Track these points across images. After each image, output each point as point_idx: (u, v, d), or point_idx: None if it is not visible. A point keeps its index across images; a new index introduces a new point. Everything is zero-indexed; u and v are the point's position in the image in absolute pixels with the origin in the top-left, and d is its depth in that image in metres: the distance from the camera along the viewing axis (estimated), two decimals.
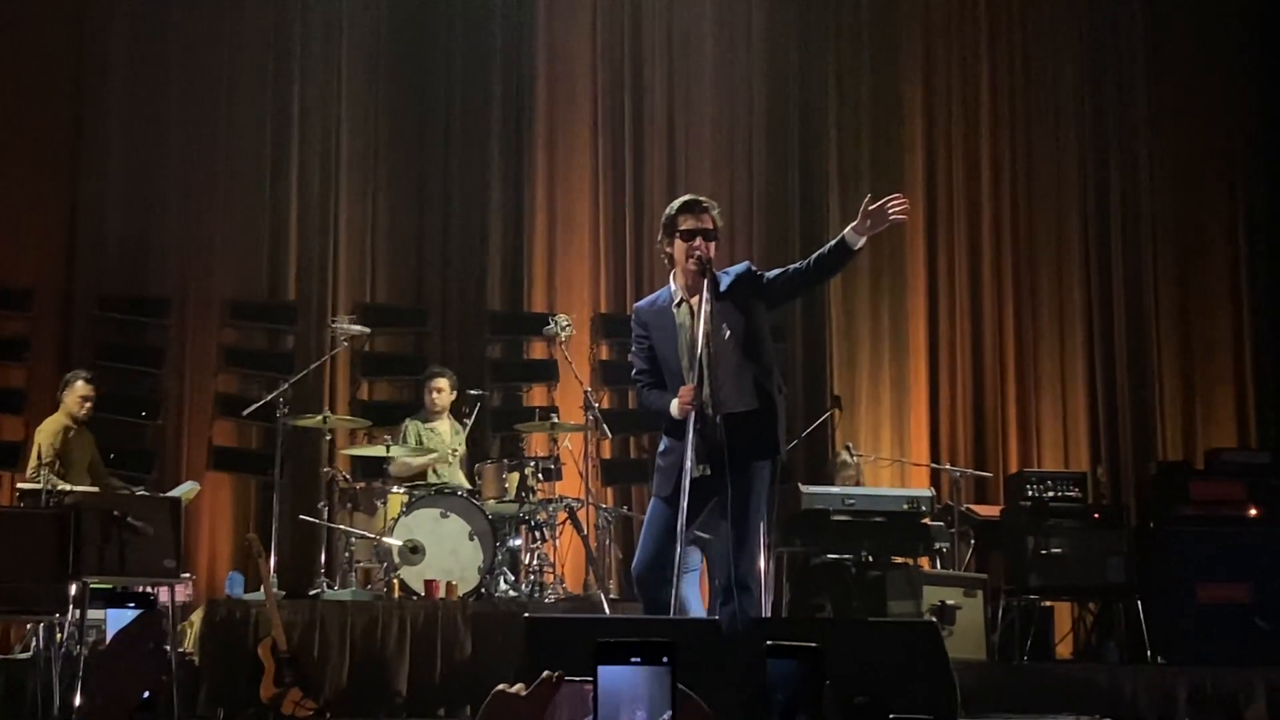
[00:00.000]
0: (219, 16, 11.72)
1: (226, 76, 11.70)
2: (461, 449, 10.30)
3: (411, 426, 10.19)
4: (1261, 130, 12.63)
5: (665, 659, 2.17)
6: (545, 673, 2.34)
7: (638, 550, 6.46)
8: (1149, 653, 9.71)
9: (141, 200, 11.45)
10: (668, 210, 6.61)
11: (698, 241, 6.42)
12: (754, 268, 6.64)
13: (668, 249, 6.58)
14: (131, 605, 2.53)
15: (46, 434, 9.60)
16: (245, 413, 10.23)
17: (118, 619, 2.50)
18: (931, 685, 5.74)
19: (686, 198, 6.65)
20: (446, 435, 10.27)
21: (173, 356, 11.34)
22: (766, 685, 2.53)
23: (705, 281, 6.35)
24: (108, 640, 2.47)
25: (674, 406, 6.33)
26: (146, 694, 2.43)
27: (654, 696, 2.15)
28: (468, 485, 10.00)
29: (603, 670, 2.14)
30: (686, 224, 6.48)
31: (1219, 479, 10.26)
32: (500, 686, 2.36)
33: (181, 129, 11.55)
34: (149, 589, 8.78)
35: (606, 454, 11.51)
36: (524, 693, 2.33)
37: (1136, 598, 9.87)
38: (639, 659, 2.16)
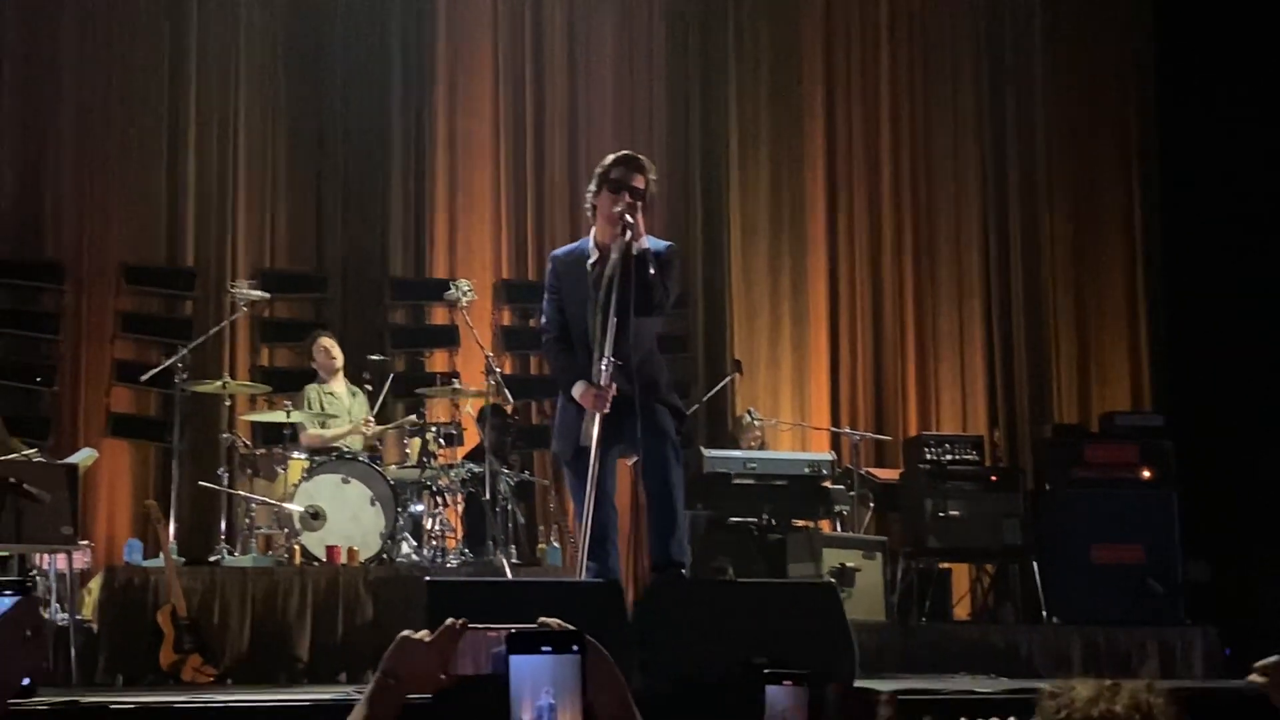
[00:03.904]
0: None
1: (121, 38, 11.52)
2: (373, 422, 10.24)
3: (313, 392, 10.14)
4: (1158, 95, 12.77)
5: (575, 647, 2.20)
6: (449, 620, 2.39)
7: (586, 529, 6.16)
8: (1044, 613, 9.85)
9: (34, 164, 11.28)
10: (602, 161, 6.46)
11: (623, 195, 6.27)
12: (677, 255, 6.50)
13: (594, 201, 6.42)
14: (8, 592, 2.51)
15: None
16: (143, 378, 10.13)
17: None
18: (830, 646, 5.81)
19: (625, 152, 6.51)
20: (345, 398, 10.22)
21: (69, 322, 11.19)
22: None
23: (624, 241, 6.19)
24: None
25: (578, 392, 6.24)
26: (27, 680, 2.42)
27: (562, 682, 2.18)
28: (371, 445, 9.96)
29: (514, 660, 2.18)
30: (615, 174, 6.33)
31: (1113, 442, 10.41)
32: (405, 633, 2.41)
33: (75, 92, 11.37)
34: (31, 570, 8.73)
35: None
36: (428, 639, 2.38)
37: (1032, 559, 10.01)
38: (550, 648, 2.19)
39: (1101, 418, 11.27)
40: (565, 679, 2.19)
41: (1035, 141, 12.89)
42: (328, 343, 10.37)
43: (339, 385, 10.29)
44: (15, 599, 2.48)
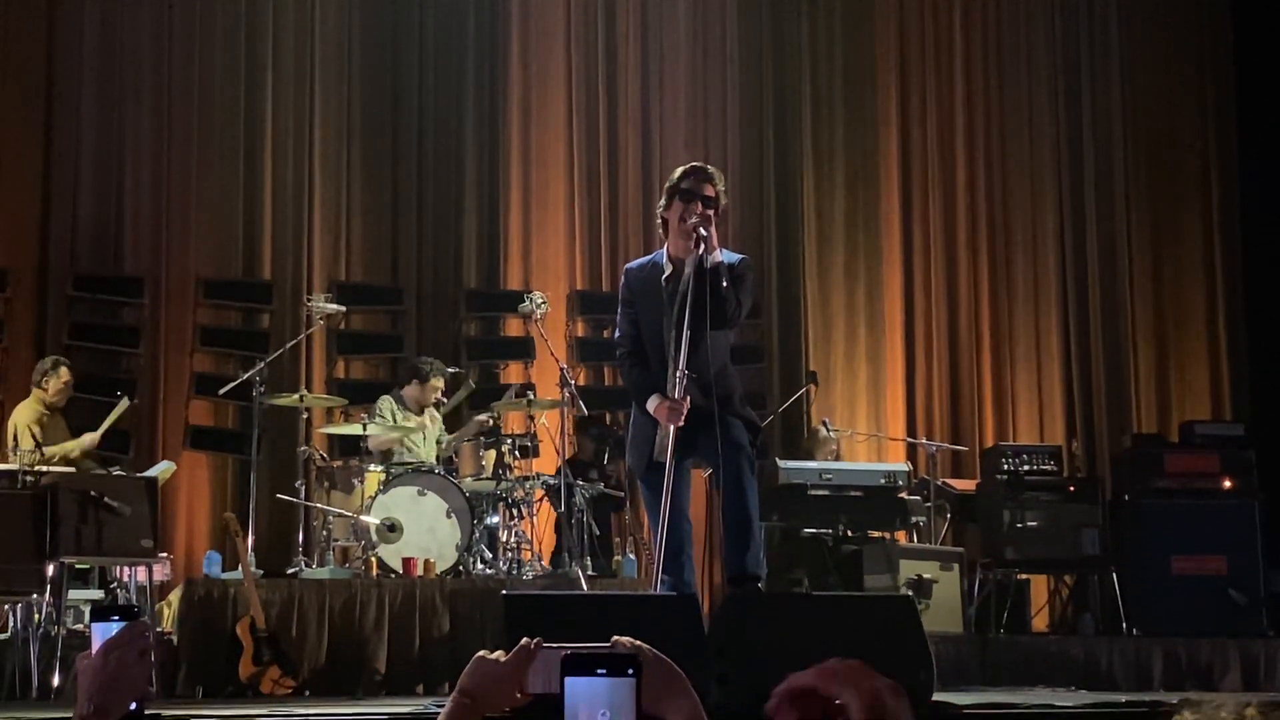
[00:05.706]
0: None
1: (199, 54, 11.62)
2: (440, 430, 10.30)
3: (386, 404, 10.16)
4: (1236, 103, 12.67)
5: (630, 670, 2.20)
6: (524, 639, 2.41)
7: (661, 542, 6.16)
8: (1124, 625, 9.77)
9: (115, 180, 11.40)
10: (671, 176, 6.50)
11: (695, 205, 6.27)
12: (750, 268, 6.52)
13: (665, 214, 6.43)
14: (116, 618, 2.53)
15: (25, 419, 9.55)
16: (221, 391, 10.18)
17: (104, 632, 2.50)
18: (908, 659, 5.77)
19: (692, 164, 6.55)
20: (422, 415, 10.27)
21: (148, 336, 11.30)
22: None
23: (698, 254, 6.17)
24: (93, 651, 2.47)
25: (653, 405, 6.25)
26: (134, 705, 2.45)
27: (617, 705, 2.19)
28: (448, 448, 9.98)
29: (569, 681, 2.18)
30: (686, 184, 6.35)
31: (1193, 451, 10.32)
32: (481, 653, 2.44)
33: (154, 108, 11.49)
34: (111, 582, 8.83)
35: None
36: (503, 659, 2.41)
37: (1112, 570, 9.93)
38: (604, 670, 2.19)
39: (1181, 427, 11.16)
40: (620, 702, 2.19)
41: (1112, 148, 12.80)
42: (440, 384, 10.30)
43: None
44: (122, 624, 2.51)
